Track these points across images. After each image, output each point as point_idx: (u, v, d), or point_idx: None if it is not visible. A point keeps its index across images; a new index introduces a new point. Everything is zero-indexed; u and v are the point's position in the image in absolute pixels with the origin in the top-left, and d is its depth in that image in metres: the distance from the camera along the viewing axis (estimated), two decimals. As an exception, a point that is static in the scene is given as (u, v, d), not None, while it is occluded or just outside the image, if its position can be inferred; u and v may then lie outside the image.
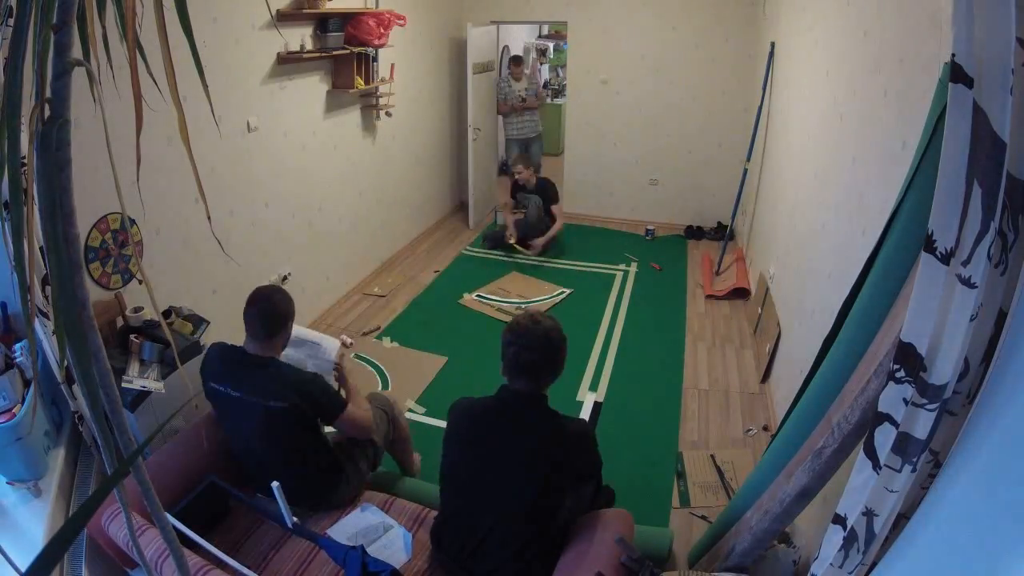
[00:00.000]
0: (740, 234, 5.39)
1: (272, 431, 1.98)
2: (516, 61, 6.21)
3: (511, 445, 1.76)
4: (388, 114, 4.64)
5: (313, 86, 3.82)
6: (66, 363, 1.72)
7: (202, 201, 0.89)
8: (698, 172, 5.81)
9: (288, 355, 2.16)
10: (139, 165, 0.86)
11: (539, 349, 1.72)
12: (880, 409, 1.07)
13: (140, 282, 2.65)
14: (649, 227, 5.78)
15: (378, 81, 4.37)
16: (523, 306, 4.32)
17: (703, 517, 2.53)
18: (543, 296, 4.52)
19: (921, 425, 1.00)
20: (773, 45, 4.46)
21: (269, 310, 1.97)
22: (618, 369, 3.64)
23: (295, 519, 2.10)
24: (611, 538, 1.91)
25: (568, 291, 4.59)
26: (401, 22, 4.26)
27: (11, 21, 0.65)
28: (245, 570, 1.71)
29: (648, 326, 4.14)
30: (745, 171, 4.96)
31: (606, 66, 5.74)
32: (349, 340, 3.45)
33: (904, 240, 1.46)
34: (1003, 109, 0.82)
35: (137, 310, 2.56)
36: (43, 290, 1.82)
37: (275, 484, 2.01)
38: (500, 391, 1.82)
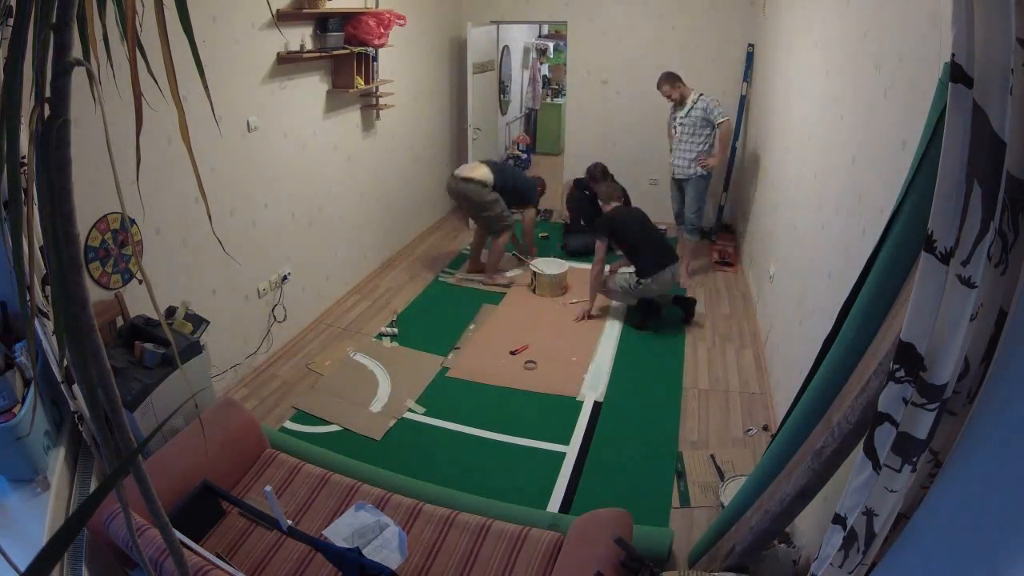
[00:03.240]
0: (739, 234, 5.39)
1: None
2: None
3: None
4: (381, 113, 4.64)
5: (313, 86, 3.82)
6: (66, 363, 1.73)
7: (203, 201, 0.89)
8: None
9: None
10: (139, 165, 0.86)
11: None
12: (880, 409, 1.07)
13: (140, 282, 2.65)
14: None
15: (378, 81, 4.37)
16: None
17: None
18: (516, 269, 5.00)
19: (921, 425, 0.99)
20: (755, 46, 4.46)
21: None
22: (618, 369, 3.64)
23: (290, 522, 2.10)
24: (610, 538, 1.92)
25: (532, 260, 4.89)
26: (401, 22, 4.26)
27: (11, 21, 0.65)
28: (241, 574, 1.71)
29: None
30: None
31: (606, 66, 5.74)
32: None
33: (904, 240, 1.46)
34: (1003, 109, 0.82)
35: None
36: (43, 290, 1.82)
37: (267, 488, 2.01)
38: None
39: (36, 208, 0.67)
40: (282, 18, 3.42)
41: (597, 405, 3.30)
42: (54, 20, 0.62)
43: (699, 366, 3.67)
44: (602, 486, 2.73)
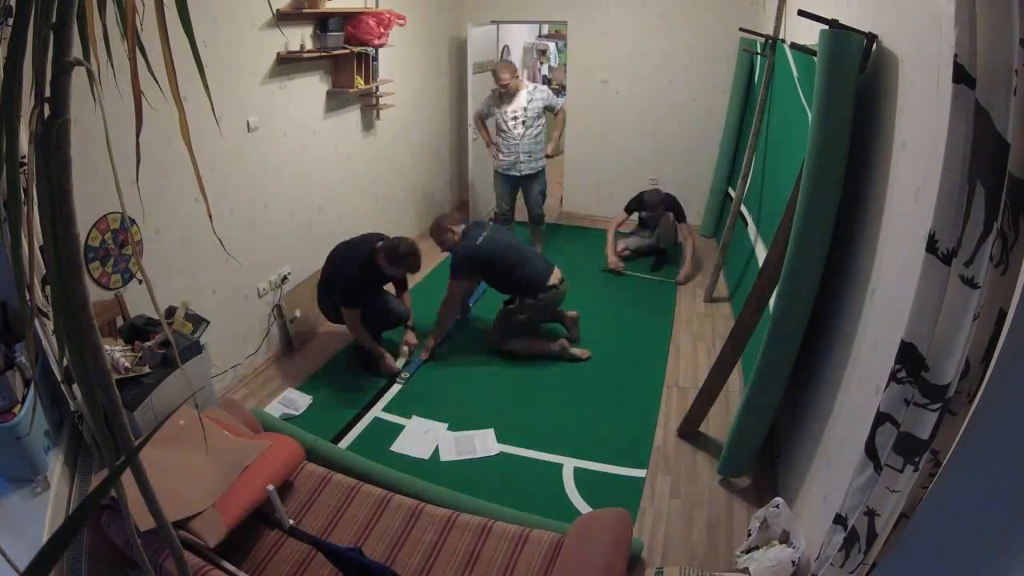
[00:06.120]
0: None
1: None
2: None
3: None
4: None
5: (313, 86, 3.82)
6: (66, 363, 1.72)
7: (203, 201, 0.89)
8: (698, 172, 5.80)
9: None
10: (139, 164, 0.85)
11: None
12: (882, 409, 1.07)
13: (140, 282, 2.65)
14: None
15: (378, 81, 4.36)
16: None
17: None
18: None
19: (923, 425, 0.99)
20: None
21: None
22: (617, 368, 3.64)
23: (291, 521, 2.10)
24: (609, 539, 1.92)
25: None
26: (401, 22, 4.25)
27: (11, 21, 0.65)
28: (242, 574, 1.70)
29: (643, 324, 4.14)
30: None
31: (606, 66, 5.74)
32: None
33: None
34: (1006, 110, 0.82)
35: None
36: (43, 290, 1.82)
37: (270, 487, 2.01)
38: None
39: (36, 208, 0.67)
40: (282, 18, 3.41)
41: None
42: (54, 20, 0.61)
43: (700, 365, 3.67)
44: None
